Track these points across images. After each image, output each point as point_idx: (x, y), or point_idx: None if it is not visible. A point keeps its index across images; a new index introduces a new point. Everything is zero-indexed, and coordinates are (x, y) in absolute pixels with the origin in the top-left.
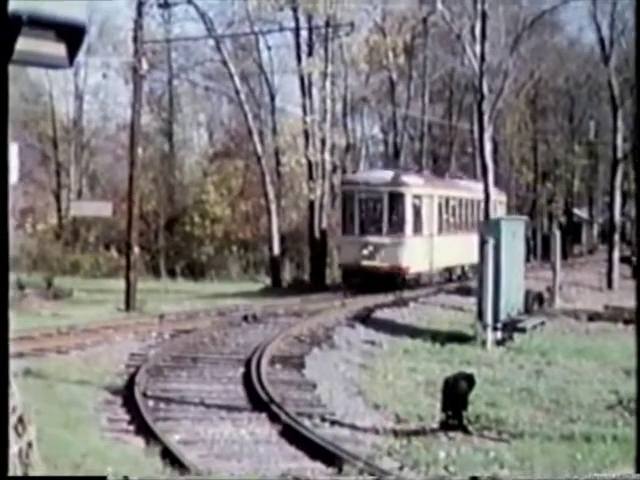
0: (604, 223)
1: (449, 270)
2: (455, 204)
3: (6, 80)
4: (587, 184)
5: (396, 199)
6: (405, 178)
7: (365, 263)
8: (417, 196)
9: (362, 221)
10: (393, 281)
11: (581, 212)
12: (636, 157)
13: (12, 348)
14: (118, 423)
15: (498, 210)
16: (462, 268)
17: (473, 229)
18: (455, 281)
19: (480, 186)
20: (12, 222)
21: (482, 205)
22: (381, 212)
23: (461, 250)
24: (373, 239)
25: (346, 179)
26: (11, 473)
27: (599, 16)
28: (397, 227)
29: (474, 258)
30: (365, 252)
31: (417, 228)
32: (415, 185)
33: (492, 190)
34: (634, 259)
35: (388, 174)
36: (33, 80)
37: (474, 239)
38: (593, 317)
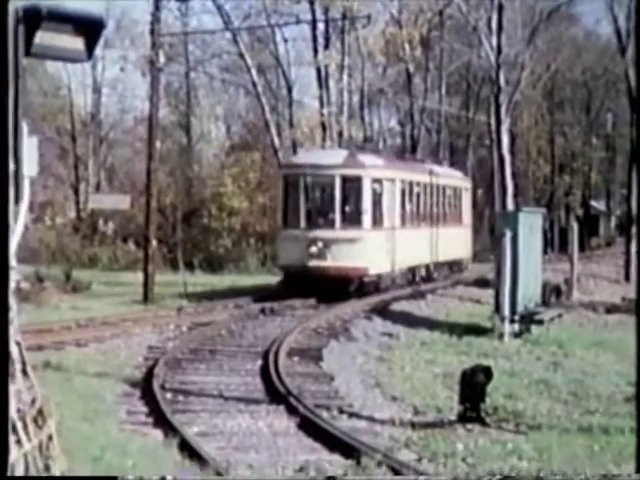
0: (621, 215)
1: (412, 271)
2: (420, 191)
3: (6, 80)
4: (604, 176)
5: (351, 184)
6: (362, 158)
7: (313, 264)
8: (377, 180)
9: (309, 212)
10: (347, 286)
11: (598, 204)
12: (635, 155)
13: (31, 341)
14: (137, 415)
15: (464, 199)
16: (427, 268)
17: (439, 221)
18: (418, 283)
19: (447, 170)
20: (31, 215)
21: (449, 192)
22: (332, 200)
23: (426, 247)
24: (323, 234)
25: (288, 161)
26: (31, 466)
27: (616, 8)
28: (353, 219)
29: (440, 256)
30: (313, 250)
31: (377, 220)
32: (374, 167)
33: (454, 174)
34: None
35: (340, 153)
36: (52, 74)
37: (441, 233)
38: (611, 309)
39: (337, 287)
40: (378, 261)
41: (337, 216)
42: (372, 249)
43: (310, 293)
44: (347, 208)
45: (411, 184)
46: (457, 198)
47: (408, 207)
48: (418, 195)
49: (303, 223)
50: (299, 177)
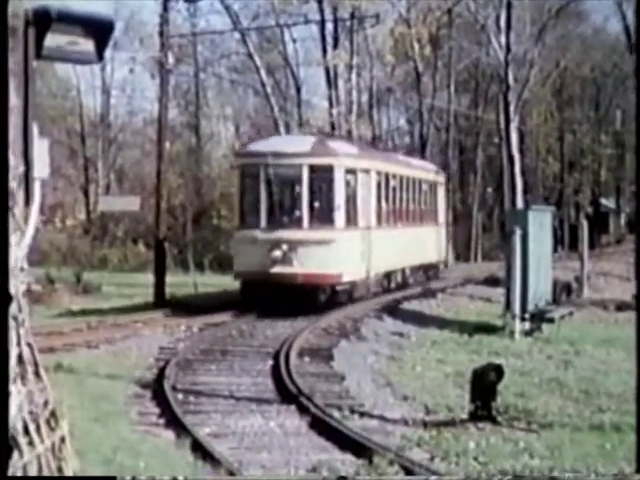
0: (631, 213)
1: (388, 276)
2: (396, 185)
3: (6, 80)
4: (614, 174)
5: (321, 175)
6: (333, 145)
7: (276, 270)
8: (351, 171)
9: (271, 209)
10: (317, 296)
11: (608, 202)
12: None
13: (43, 343)
14: (148, 417)
15: (439, 194)
16: (402, 273)
17: (416, 219)
18: (393, 291)
19: (422, 163)
20: (41, 217)
21: (425, 187)
22: (299, 195)
23: (403, 249)
24: (287, 235)
25: (246, 149)
26: (44, 467)
27: (624, 5)
28: (323, 217)
29: (416, 259)
30: (276, 254)
31: (351, 218)
32: (347, 155)
33: (429, 167)
34: None
35: (308, 140)
36: (61, 76)
37: (417, 233)
38: (621, 307)
39: (305, 297)
40: (352, 266)
41: (304, 213)
42: (346, 252)
43: (273, 305)
44: (316, 204)
45: (387, 177)
46: (433, 194)
47: (384, 203)
48: (394, 190)
49: (264, 222)
50: (259, 168)
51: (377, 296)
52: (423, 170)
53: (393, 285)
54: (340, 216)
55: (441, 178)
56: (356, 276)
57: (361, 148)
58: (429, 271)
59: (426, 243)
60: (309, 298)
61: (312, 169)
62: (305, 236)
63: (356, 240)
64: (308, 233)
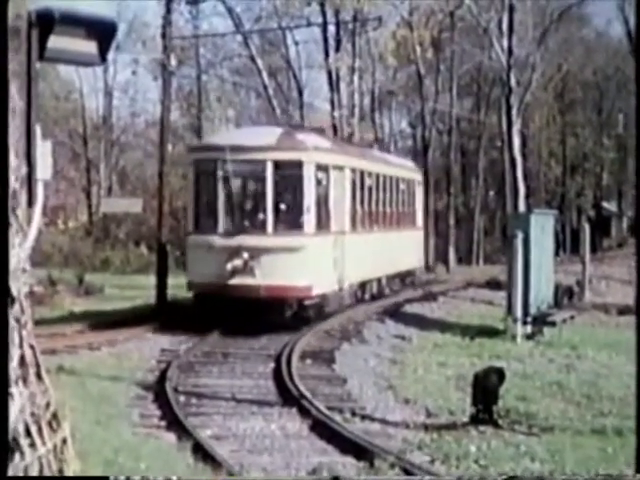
0: (633, 216)
1: (363, 287)
2: (372, 184)
3: (6, 81)
4: (616, 177)
5: (289, 172)
6: (302, 137)
7: (235, 282)
8: (322, 167)
9: (230, 211)
10: (282, 312)
11: (610, 205)
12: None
13: (45, 345)
14: (150, 419)
15: (417, 194)
16: (378, 282)
17: (393, 222)
18: (367, 302)
19: (399, 160)
20: (44, 219)
21: (402, 186)
22: (262, 195)
23: (381, 256)
24: (249, 241)
25: (201, 142)
26: (45, 469)
27: (627, 8)
28: (290, 220)
29: (393, 266)
30: (235, 263)
31: (323, 221)
32: (318, 150)
33: (407, 164)
34: None
35: (273, 132)
36: (63, 77)
37: (394, 238)
38: (623, 311)
39: (268, 313)
40: (324, 277)
41: (269, 216)
42: (316, 261)
43: (230, 322)
44: (282, 206)
45: (362, 174)
46: (411, 194)
47: (359, 205)
48: (370, 190)
49: (221, 226)
50: (216, 163)
51: (351, 308)
52: (401, 168)
53: (367, 296)
54: (310, 219)
55: (419, 176)
56: (328, 288)
57: (334, 142)
58: (406, 279)
59: (404, 249)
60: (273, 314)
61: (278, 165)
62: (269, 242)
63: (328, 247)
64: (273, 239)
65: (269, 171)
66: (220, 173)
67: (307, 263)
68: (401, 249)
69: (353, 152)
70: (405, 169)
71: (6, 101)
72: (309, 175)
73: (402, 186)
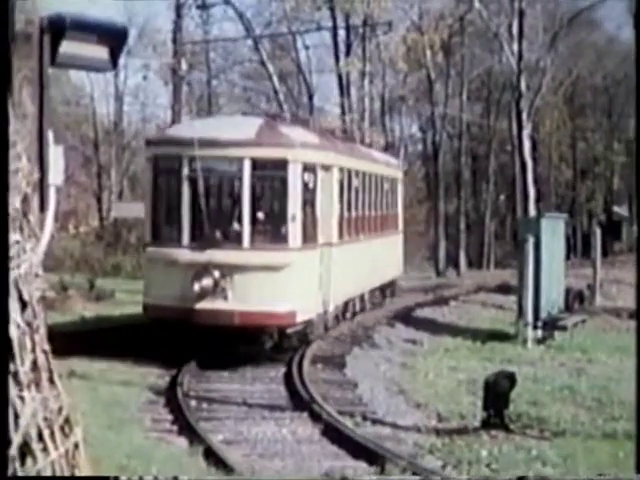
0: None
1: (346, 305)
2: (358, 185)
3: (6, 81)
4: (627, 181)
5: (270, 173)
6: (286, 131)
7: (203, 307)
8: (310, 167)
9: (197, 219)
10: (260, 342)
11: (621, 210)
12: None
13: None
14: (161, 423)
15: (399, 194)
16: (361, 298)
17: (377, 228)
18: (347, 320)
19: (384, 156)
20: (55, 224)
21: (386, 186)
22: (238, 200)
23: (365, 269)
24: (220, 257)
25: (162, 135)
26: (57, 474)
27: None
28: (271, 231)
29: (377, 279)
30: (203, 284)
31: (309, 233)
32: (306, 146)
33: (391, 161)
34: None
35: (252, 124)
36: (74, 82)
37: (378, 246)
38: (634, 315)
39: (243, 345)
40: (308, 300)
41: (245, 227)
42: (301, 281)
43: (196, 354)
44: (261, 214)
45: (350, 174)
46: (394, 194)
47: (346, 210)
48: (357, 191)
49: (187, 237)
50: (181, 160)
51: (334, 328)
52: (386, 165)
53: (349, 315)
54: (295, 231)
55: (400, 173)
56: (312, 313)
57: (321, 135)
58: (386, 290)
59: (388, 257)
60: (249, 346)
61: (257, 164)
62: (245, 259)
63: (315, 263)
64: (250, 254)
65: (246, 171)
66: (185, 172)
67: (290, 284)
68: (385, 258)
69: (342, 149)
70: (390, 166)
71: (6, 102)
72: (295, 177)
73: (386, 186)
